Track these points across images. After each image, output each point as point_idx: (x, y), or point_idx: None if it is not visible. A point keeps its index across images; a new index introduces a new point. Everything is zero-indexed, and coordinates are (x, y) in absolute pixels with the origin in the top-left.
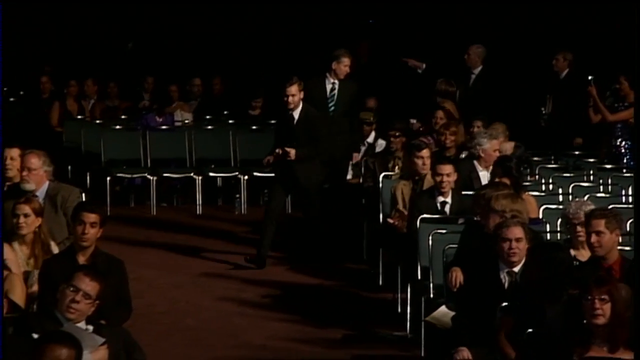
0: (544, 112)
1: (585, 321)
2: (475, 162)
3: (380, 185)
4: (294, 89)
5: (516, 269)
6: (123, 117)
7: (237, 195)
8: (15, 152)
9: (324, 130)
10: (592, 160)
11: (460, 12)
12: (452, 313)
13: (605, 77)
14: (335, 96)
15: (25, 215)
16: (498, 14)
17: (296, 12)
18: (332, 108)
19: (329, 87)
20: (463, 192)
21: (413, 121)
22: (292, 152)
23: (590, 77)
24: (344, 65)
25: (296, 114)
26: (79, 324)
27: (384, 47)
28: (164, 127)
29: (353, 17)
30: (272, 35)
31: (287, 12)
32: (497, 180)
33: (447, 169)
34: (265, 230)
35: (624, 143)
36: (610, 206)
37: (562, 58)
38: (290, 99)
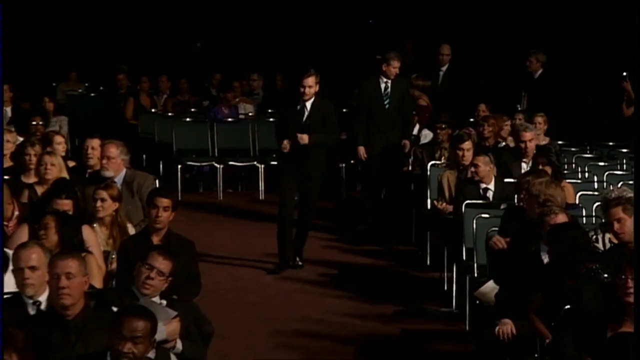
0: (519, 108)
1: (618, 299)
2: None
3: (428, 173)
4: (310, 80)
5: None
6: (192, 110)
7: None
8: (95, 142)
9: (335, 119)
10: (625, 150)
11: (453, 11)
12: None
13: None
14: (389, 93)
15: (102, 200)
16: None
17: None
18: (387, 105)
19: (382, 85)
20: (505, 180)
21: None
22: (305, 137)
23: (624, 74)
24: (393, 67)
25: (309, 104)
26: (153, 299)
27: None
28: (229, 119)
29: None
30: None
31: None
32: (540, 167)
33: (480, 160)
34: (282, 238)
35: None
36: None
37: (534, 60)
38: (307, 90)
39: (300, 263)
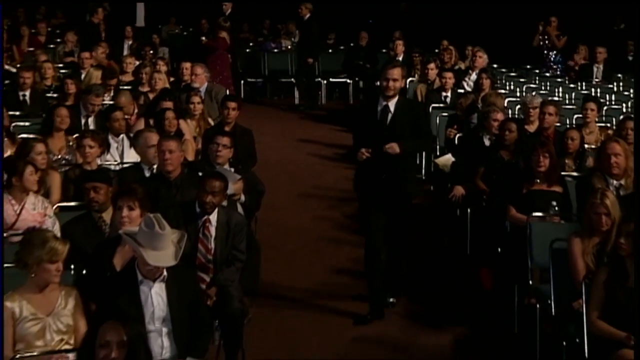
0: (294, 40)
1: (532, 167)
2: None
3: (407, 86)
4: (396, 72)
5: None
6: (251, 44)
7: (320, 92)
8: (187, 65)
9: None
10: (536, 71)
11: None
12: (453, 159)
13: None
14: None
15: (198, 103)
16: None
17: None
18: None
19: None
20: (458, 90)
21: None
22: (394, 145)
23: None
24: None
25: (392, 104)
26: (225, 167)
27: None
28: (275, 50)
29: None
30: None
31: None
32: (480, 82)
33: (449, 75)
34: (371, 277)
35: (553, 58)
36: (549, 98)
37: (304, 7)
38: (392, 84)
39: (392, 300)
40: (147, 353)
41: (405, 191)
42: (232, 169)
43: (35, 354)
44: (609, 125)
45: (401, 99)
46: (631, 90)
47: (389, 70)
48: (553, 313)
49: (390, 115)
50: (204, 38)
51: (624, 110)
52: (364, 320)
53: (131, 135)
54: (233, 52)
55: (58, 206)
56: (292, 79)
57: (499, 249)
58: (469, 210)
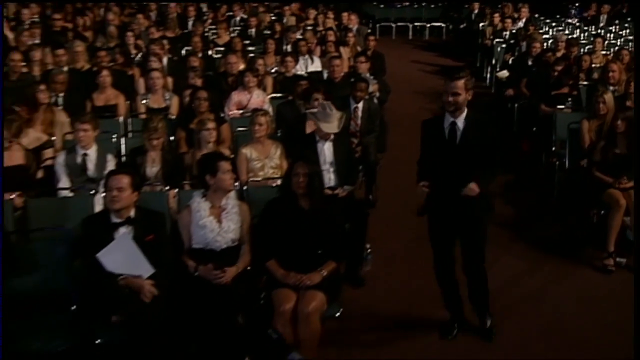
0: None
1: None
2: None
3: (480, 27)
4: (460, 85)
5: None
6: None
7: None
8: (346, 14)
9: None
10: (563, 19)
11: None
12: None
13: None
14: None
15: (352, 37)
16: None
17: None
18: None
19: None
20: (512, 30)
21: None
22: (474, 187)
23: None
24: None
25: (460, 121)
26: (367, 75)
27: None
28: (398, 6)
29: None
30: None
31: None
32: (527, 26)
33: (508, 21)
34: (448, 298)
35: (574, 11)
36: (570, 36)
37: None
38: (451, 98)
39: (489, 324)
40: (320, 182)
41: (479, 214)
42: (372, 77)
43: (259, 179)
44: (609, 52)
45: (470, 115)
46: (625, 32)
47: (450, 83)
48: (567, 167)
49: (459, 134)
50: None
51: (619, 43)
52: (448, 332)
53: (313, 56)
54: None
55: (270, 96)
56: (408, 23)
57: (535, 128)
58: (516, 105)
